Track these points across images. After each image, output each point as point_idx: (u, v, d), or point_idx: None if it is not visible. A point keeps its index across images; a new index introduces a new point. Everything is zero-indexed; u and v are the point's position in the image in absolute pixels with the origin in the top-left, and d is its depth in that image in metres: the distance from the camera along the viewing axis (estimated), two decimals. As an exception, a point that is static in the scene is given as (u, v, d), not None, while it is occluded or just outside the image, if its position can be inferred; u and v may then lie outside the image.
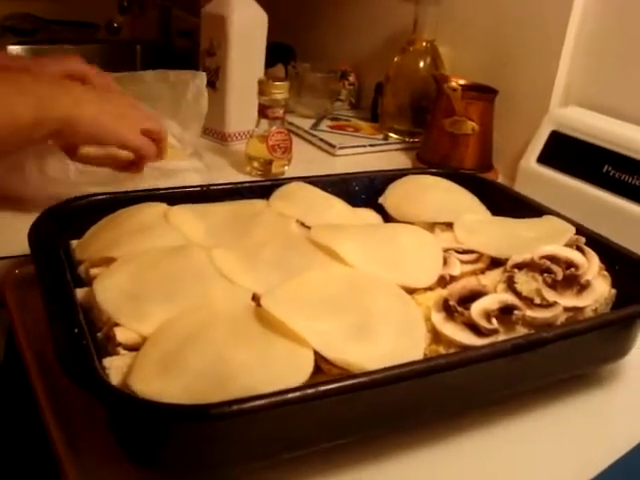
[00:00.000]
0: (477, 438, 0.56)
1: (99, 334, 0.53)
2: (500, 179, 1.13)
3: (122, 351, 0.51)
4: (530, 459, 0.55)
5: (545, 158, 1.02)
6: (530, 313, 0.59)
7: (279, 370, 0.47)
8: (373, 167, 1.15)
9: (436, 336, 0.57)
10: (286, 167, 1.05)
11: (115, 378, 0.48)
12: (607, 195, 0.93)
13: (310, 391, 0.44)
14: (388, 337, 0.53)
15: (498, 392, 0.57)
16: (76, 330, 0.48)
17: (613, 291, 0.65)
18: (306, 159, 1.13)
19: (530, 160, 1.03)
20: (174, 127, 0.98)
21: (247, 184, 0.79)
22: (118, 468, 0.48)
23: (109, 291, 0.54)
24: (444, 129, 1.12)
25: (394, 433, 0.54)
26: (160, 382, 0.45)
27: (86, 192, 0.71)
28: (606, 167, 0.94)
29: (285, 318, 0.51)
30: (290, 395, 0.43)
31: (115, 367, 0.49)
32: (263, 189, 0.77)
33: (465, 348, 0.55)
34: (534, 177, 1.03)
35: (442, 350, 0.56)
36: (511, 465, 0.54)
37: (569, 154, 0.99)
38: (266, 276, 0.59)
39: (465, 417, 0.57)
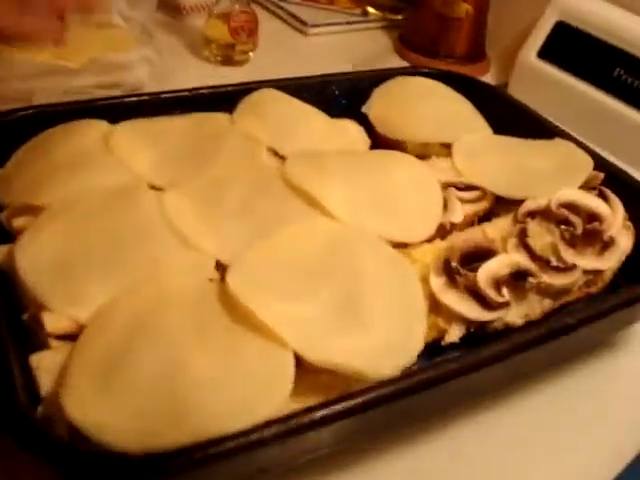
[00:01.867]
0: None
1: (25, 316, 0.42)
2: (492, 71, 1.00)
3: (53, 342, 0.41)
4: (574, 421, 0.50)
5: (547, 52, 0.89)
6: (546, 279, 0.50)
7: (250, 388, 0.37)
8: (350, 49, 1.03)
9: (435, 304, 0.48)
10: (251, 53, 0.90)
11: (45, 384, 0.38)
12: (616, 102, 0.83)
13: (291, 424, 0.35)
14: (380, 319, 0.44)
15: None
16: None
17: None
18: (274, 40, 0.98)
19: (530, 53, 0.91)
20: (121, 4, 0.81)
21: (206, 91, 0.65)
22: None
23: (34, 260, 0.43)
24: (434, 9, 0.97)
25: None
26: (101, 405, 0.35)
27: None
28: (618, 70, 0.82)
29: (255, 305, 0.40)
30: (265, 433, 0.34)
31: (44, 368, 0.39)
32: (226, 96, 0.65)
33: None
34: (533, 73, 0.91)
35: (441, 323, 0.48)
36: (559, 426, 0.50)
37: (576, 50, 0.87)
38: (231, 233, 0.48)
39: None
